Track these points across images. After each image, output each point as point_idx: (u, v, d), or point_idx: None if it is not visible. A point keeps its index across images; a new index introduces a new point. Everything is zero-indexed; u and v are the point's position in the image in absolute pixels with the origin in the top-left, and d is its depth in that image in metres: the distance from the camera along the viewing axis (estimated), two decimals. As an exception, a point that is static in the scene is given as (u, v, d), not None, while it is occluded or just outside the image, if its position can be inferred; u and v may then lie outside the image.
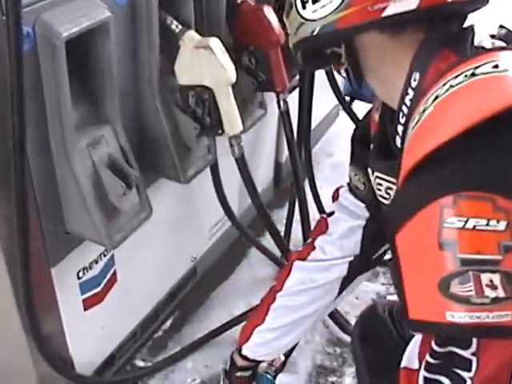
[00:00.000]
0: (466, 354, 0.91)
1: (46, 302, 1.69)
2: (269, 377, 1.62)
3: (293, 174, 2.34)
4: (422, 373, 0.97)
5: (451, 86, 0.92)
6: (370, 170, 1.21)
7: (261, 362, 1.60)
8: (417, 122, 0.94)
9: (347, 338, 2.27)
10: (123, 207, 1.61)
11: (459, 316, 0.85)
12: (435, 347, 0.94)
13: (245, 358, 1.57)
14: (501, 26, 1.08)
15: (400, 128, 1.04)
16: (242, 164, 1.91)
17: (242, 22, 1.95)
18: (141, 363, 2.18)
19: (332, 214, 1.49)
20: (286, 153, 2.77)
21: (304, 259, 1.49)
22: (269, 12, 1.95)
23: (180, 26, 1.69)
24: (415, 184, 0.92)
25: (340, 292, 1.51)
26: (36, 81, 1.38)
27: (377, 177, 1.16)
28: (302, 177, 2.35)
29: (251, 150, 2.47)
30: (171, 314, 2.33)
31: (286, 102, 2.13)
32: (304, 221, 2.44)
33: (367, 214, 1.44)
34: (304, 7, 1.05)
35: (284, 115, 2.17)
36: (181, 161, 1.82)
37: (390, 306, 1.67)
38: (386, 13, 0.99)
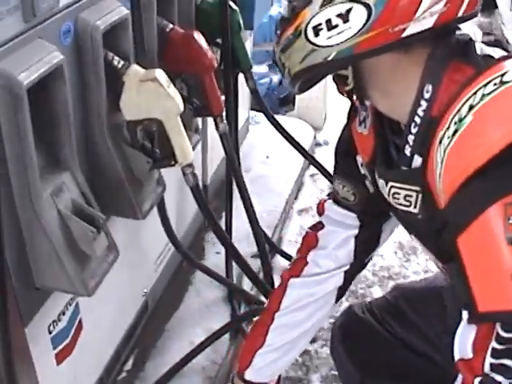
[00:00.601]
0: None
1: (22, 364, 1.61)
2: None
3: (239, 192, 2.34)
4: (488, 360, 1.02)
5: (484, 95, 0.97)
6: (381, 182, 1.24)
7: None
8: (455, 132, 0.98)
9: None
10: (95, 252, 1.56)
11: None
12: (503, 333, 1.00)
13: (248, 382, 1.56)
14: (487, 33, 1.15)
15: (411, 137, 1.08)
16: (197, 192, 1.91)
17: (172, 49, 1.94)
18: (112, 408, 2.12)
19: (319, 227, 1.51)
20: (210, 174, 2.80)
21: (298, 275, 1.51)
22: (199, 37, 1.95)
23: (122, 61, 1.66)
24: (474, 188, 0.96)
25: (337, 300, 1.53)
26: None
27: (392, 186, 1.18)
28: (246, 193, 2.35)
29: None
30: (131, 352, 2.28)
31: (224, 125, 2.13)
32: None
33: (358, 223, 1.46)
34: (317, 35, 1.06)
35: (223, 137, 2.17)
36: (136, 197, 1.80)
37: (368, 306, 1.71)
38: (406, 33, 1.02)
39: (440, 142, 1.02)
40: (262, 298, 2.59)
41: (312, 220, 3.18)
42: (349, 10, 1.03)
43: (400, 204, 1.20)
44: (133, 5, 1.65)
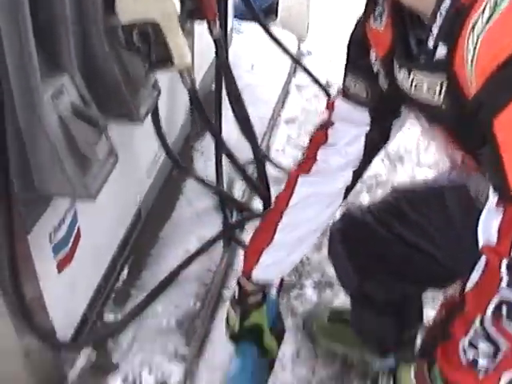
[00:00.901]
0: None
1: (26, 272, 1.60)
2: (273, 297, 1.63)
3: (230, 99, 2.30)
4: None
5: None
6: (402, 73, 1.22)
7: (271, 283, 1.61)
8: (490, 17, 0.97)
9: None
10: (96, 155, 1.54)
11: None
12: None
13: (255, 282, 1.56)
14: None
15: (436, 28, 1.07)
16: (193, 95, 1.87)
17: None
18: (110, 317, 2.13)
19: (329, 125, 1.49)
20: (197, 82, 2.74)
21: (307, 173, 1.49)
22: None
23: (118, -40, 1.60)
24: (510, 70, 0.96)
25: (344, 198, 1.53)
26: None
27: (415, 77, 1.17)
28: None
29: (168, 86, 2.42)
30: (126, 261, 2.28)
31: (218, 29, 2.08)
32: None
33: (369, 120, 1.45)
34: None
35: (218, 42, 2.12)
36: (133, 100, 1.76)
37: (367, 208, 1.72)
38: None
39: (473, 28, 1.00)
40: (254, 206, 2.61)
41: (298, 129, 3.17)
42: None
43: (422, 95, 1.18)
44: None
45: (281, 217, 1.51)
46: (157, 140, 2.28)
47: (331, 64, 3.68)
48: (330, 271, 2.39)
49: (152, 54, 1.71)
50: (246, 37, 3.47)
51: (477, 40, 1.00)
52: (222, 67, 2.27)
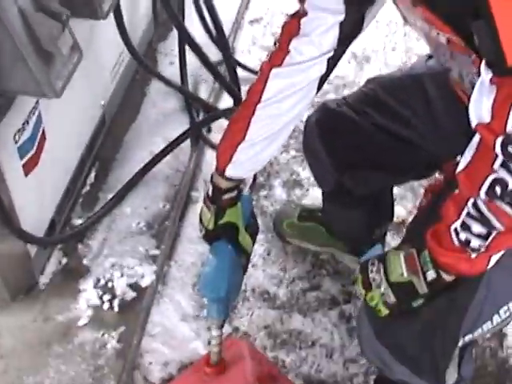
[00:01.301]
0: None
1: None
2: (247, 195, 1.61)
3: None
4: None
5: None
6: None
7: (244, 179, 1.58)
8: None
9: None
10: (60, 51, 1.47)
11: None
12: None
13: (229, 178, 1.54)
14: None
15: None
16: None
17: None
18: (78, 222, 2.11)
19: (302, 14, 1.43)
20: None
21: (280, 65, 1.44)
22: None
23: None
24: None
25: (318, 90, 1.49)
26: None
27: None
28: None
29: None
30: (93, 165, 2.24)
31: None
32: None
33: (343, 7, 1.40)
34: None
35: None
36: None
37: (343, 101, 1.69)
38: None
39: None
40: (220, 106, 2.56)
41: (263, 30, 3.10)
42: None
43: None
44: None
45: (254, 111, 1.46)
46: (120, 42, 2.20)
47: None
48: (299, 170, 2.39)
49: None
50: None
51: None
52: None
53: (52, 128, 1.83)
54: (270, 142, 1.49)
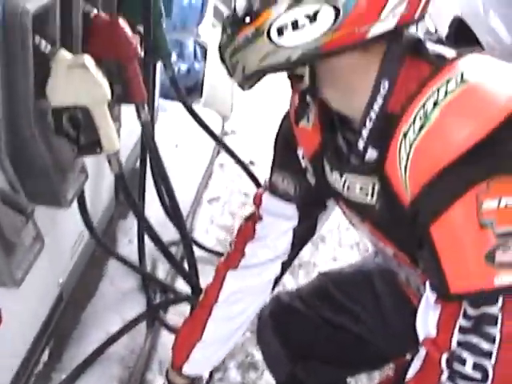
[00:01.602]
0: (495, 310, 1.04)
1: None
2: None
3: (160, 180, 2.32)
4: (456, 337, 1.08)
5: (448, 92, 1.04)
6: (334, 175, 1.26)
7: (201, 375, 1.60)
8: (421, 127, 1.04)
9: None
10: (23, 242, 1.52)
11: (507, 278, 1.01)
12: (470, 311, 1.07)
13: (186, 376, 1.56)
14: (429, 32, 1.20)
15: (365, 132, 1.12)
16: (121, 180, 1.88)
17: (96, 35, 1.90)
18: (29, 402, 2.07)
19: (257, 219, 1.52)
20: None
21: (236, 268, 1.51)
22: (124, 24, 1.92)
23: (49, 46, 1.62)
24: (446, 180, 1.03)
25: (272, 289, 1.56)
26: None
27: (347, 179, 1.21)
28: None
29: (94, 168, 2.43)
30: (47, 344, 2.23)
31: (145, 113, 2.11)
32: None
33: (297, 214, 1.48)
34: (281, 34, 1.06)
35: (145, 126, 2.15)
36: (60, 185, 1.75)
37: (295, 293, 1.75)
38: (371, 33, 1.05)
39: (405, 136, 1.06)
40: (177, 286, 2.60)
41: (222, 209, 3.20)
42: (317, 12, 1.04)
43: (355, 195, 1.23)
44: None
45: (210, 311, 1.52)
46: (81, 220, 2.26)
47: (255, 143, 3.76)
48: (254, 352, 2.40)
49: (81, 138, 1.72)
50: (170, 115, 3.52)
51: (410, 148, 1.06)
52: (149, 149, 2.29)
53: (8, 309, 1.84)
54: (226, 340, 1.54)
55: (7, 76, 1.54)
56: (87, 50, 1.89)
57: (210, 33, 4.04)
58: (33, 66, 1.58)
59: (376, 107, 1.11)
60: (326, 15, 1.04)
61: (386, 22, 1.06)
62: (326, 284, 1.72)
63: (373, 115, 1.11)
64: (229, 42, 1.15)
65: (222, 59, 1.19)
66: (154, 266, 2.68)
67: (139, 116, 2.13)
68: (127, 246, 2.72)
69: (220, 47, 1.18)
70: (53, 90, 1.65)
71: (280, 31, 1.07)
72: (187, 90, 4.03)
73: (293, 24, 1.05)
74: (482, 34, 2.96)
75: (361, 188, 1.21)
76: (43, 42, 1.61)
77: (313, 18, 1.04)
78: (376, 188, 1.18)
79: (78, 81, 1.64)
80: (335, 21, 1.04)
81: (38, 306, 2.15)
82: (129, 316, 2.34)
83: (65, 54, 1.64)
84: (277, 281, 1.57)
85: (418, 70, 1.10)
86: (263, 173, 3.37)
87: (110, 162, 1.81)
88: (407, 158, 1.07)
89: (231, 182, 3.42)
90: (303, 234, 1.53)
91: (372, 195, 1.19)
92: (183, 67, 4.07)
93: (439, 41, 1.18)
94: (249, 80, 1.17)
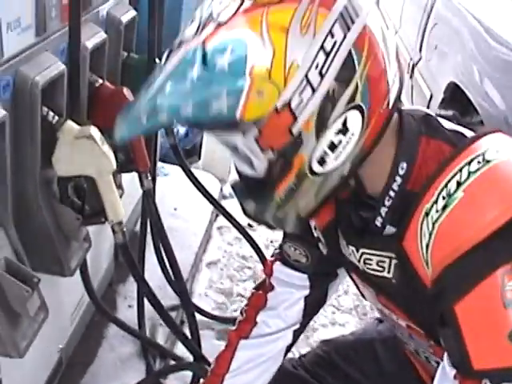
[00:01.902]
0: None
1: None
2: None
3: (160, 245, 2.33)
4: None
5: (471, 173, 1.06)
6: (350, 249, 1.27)
7: None
8: (445, 206, 1.06)
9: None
10: (28, 313, 1.53)
11: None
12: None
13: None
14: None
15: (384, 210, 1.13)
16: (124, 250, 1.89)
17: (100, 105, 1.93)
18: None
19: (268, 288, 1.53)
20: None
21: (247, 337, 1.52)
22: (128, 94, 1.95)
23: (56, 117, 1.65)
24: (471, 260, 1.05)
25: (284, 357, 1.56)
26: None
27: (363, 253, 1.22)
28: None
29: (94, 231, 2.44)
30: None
31: (148, 181, 2.13)
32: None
33: (308, 283, 1.50)
34: (323, 162, 1.06)
35: (147, 194, 2.17)
36: (64, 254, 1.77)
37: (298, 361, 1.75)
38: (391, 103, 1.08)
39: (427, 215, 1.07)
40: (177, 352, 2.59)
41: (220, 273, 3.21)
42: (345, 122, 1.05)
43: (372, 269, 1.24)
44: (72, 60, 1.64)
45: (222, 381, 1.52)
46: (81, 285, 2.26)
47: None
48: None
49: (85, 207, 1.74)
50: (170, 179, 3.55)
51: (432, 228, 1.07)
52: (150, 213, 2.31)
53: (10, 378, 1.83)
54: None
55: (15, 145, 1.57)
56: (92, 118, 1.93)
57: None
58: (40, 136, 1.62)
59: (395, 186, 1.13)
60: (354, 118, 1.04)
61: (394, 87, 1.08)
62: (329, 352, 1.72)
63: (392, 194, 1.13)
64: (265, 204, 1.13)
65: (261, 221, 1.19)
66: (154, 330, 2.67)
67: (142, 184, 2.15)
68: (127, 310, 2.71)
69: (253, 214, 1.16)
70: (59, 159, 1.67)
71: (322, 161, 1.06)
72: (185, 153, 4.06)
73: (330, 147, 1.05)
74: (477, 100, 3.01)
75: (377, 262, 1.21)
76: (50, 113, 1.64)
77: (344, 129, 1.04)
78: (393, 262, 1.18)
79: (84, 151, 1.67)
80: (363, 117, 1.05)
81: (38, 371, 2.13)
82: (129, 382, 2.32)
83: (72, 125, 1.67)
84: (289, 349, 1.57)
85: (436, 150, 1.12)
86: (261, 236, 3.43)
87: (113, 231, 1.81)
88: (429, 237, 1.08)
89: (229, 245, 3.43)
90: (315, 303, 1.54)
91: (389, 269, 1.20)
92: (181, 130, 4.11)
93: (450, 117, 1.21)
94: (303, 221, 1.18)
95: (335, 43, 0.97)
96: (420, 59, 4.10)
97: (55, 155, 1.66)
